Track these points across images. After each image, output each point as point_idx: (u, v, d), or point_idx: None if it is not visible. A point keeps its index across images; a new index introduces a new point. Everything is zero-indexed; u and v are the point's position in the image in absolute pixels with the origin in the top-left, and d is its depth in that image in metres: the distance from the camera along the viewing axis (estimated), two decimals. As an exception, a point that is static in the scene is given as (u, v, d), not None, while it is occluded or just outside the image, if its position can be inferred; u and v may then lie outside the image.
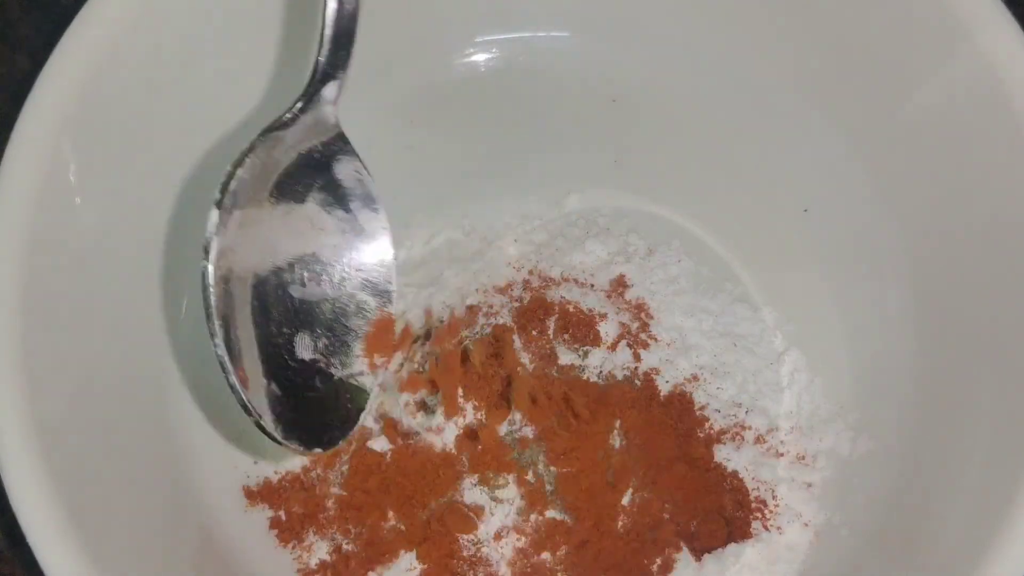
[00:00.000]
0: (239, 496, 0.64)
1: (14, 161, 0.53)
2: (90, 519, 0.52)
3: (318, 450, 0.56)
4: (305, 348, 0.56)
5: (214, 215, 0.51)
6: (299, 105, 0.55)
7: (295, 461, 0.65)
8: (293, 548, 0.63)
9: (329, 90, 0.55)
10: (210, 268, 0.51)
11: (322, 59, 0.55)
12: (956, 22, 0.57)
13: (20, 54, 0.69)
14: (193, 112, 0.62)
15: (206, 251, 0.51)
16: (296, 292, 0.56)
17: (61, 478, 0.51)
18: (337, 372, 0.56)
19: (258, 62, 0.64)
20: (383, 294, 0.57)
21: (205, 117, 0.63)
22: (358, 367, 0.56)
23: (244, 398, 0.51)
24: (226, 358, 0.51)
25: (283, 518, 0.63)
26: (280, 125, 0.54)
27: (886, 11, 0.60)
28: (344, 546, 0.62)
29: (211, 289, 0.51)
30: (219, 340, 0.51)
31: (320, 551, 0.63)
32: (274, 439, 0.53)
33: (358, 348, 0.56)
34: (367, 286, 0.57)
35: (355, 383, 0.56)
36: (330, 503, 0.63)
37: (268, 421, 0.53)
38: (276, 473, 0.65)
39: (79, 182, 0.56)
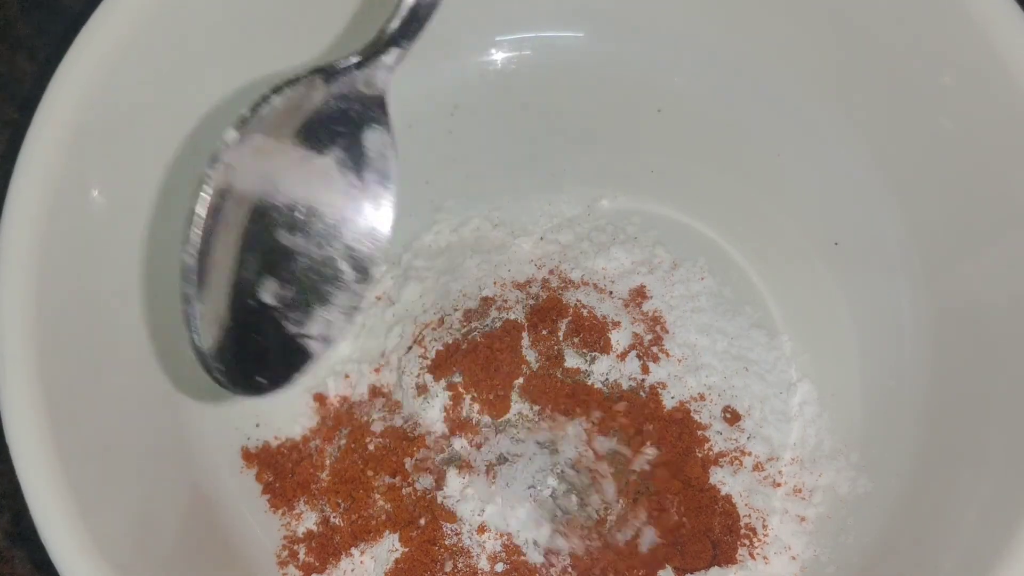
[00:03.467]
0: (236, 457, 0.64)
1: (33, 151, 0.54)
2: (77, 451, 0.52)
3: (237, 391, 0.52)
4: (268, 293, 0.54)
5: (233, 132, 0.49)
6: (355, 59, 0.53)
7: (296, 429, 0.66)
8: (283, 515, 0.63)
9: (390, 56, 0.53)
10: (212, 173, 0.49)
11: (394, 25, 0.53)
12: (980, 35, 0.56)
13: (20, 54, 0.69)
14: (209, 106, 0.62)
15: (213, 159, 0.49)
16: (280, 236, 0.54)
17: (55, 405, 0.52)
18: (290, 328, 0.54)
19: (271, 60, 0.64)
20: (362, 270, 0.55)
21: (221, 111, 0.63)
22: (312, 330, 0.54)
23: (193, 313, 0.49)
24: (193, 265, 0.49)
25: (276, 484, 0.64)
26: (330, 71, 0.53)
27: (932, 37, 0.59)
28: (332, 519, 0.63)
29: (206, 192, 0.49)
30: (192, 250, 0.49)
31: (308, 521, 0.63)
32: (201, 356, 0.50)
33: (318, 311, 0.55)
34: (350, 256, 0.55)
35: (302, 344, 0.54)
36: (324, 475, 0.64)
37: (207, 342, 0.50)
38: (276, 439, 0.65)
39: (95, 175, 0.56)
